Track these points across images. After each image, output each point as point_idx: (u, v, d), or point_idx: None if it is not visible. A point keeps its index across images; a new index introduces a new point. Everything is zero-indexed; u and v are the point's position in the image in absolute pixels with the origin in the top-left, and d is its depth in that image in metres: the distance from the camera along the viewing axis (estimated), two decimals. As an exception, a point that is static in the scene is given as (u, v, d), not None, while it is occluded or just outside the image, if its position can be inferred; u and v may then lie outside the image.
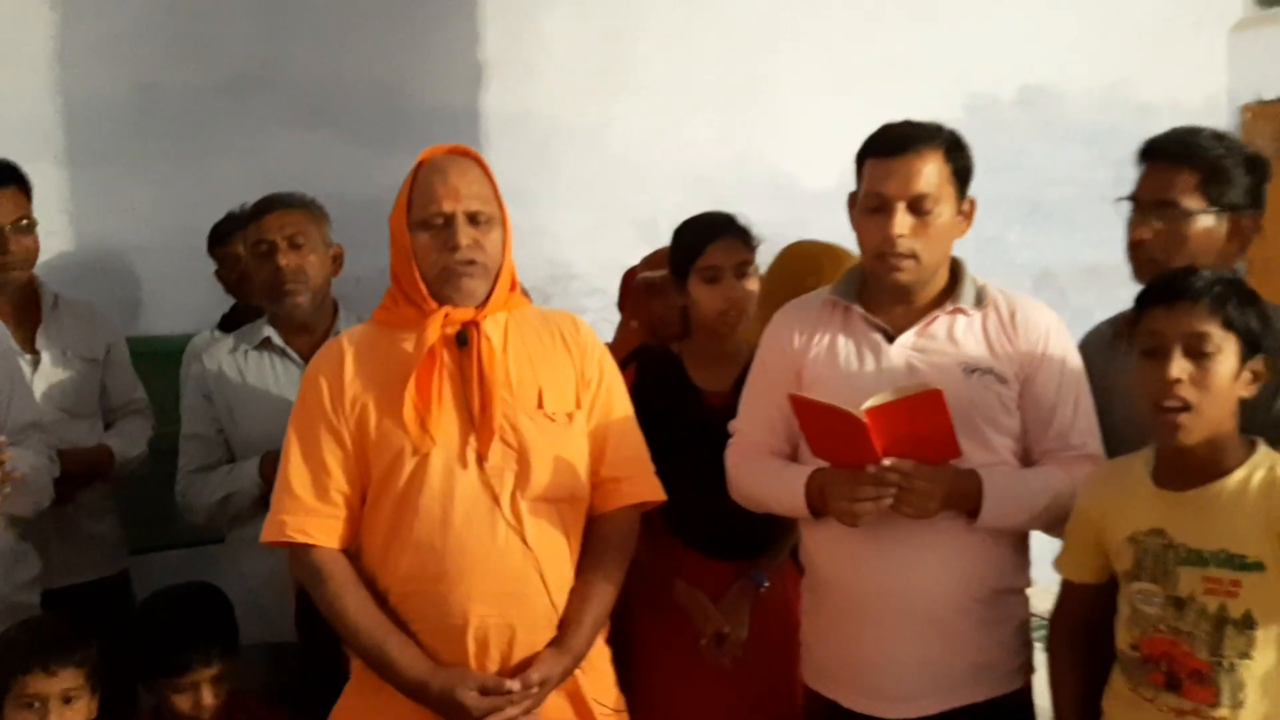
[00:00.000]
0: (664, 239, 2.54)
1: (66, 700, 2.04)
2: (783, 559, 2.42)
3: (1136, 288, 1.88)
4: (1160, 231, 2.04)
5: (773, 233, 2.54)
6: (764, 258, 2.49)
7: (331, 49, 3.45)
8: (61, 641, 2.08)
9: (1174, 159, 2.05)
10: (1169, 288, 1.77)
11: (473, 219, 1.92)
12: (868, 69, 4.13)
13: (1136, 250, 2.09)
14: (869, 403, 1.84)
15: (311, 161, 3.24)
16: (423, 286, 1.93)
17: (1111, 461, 1.98)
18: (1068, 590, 1.98)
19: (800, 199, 3.98)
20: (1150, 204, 2.06)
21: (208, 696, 2.16)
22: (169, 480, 2.57)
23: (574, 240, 3.76)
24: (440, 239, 1.92)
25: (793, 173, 4.08)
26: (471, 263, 1.92)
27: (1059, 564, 1.97)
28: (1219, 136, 2.07)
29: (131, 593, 2.82)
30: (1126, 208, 2.11)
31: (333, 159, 3.36)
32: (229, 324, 2.79)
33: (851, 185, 2.07)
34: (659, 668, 2.33)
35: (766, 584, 2.38)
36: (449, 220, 1.91)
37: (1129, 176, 2.11)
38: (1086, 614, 1.95)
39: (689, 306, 2.44)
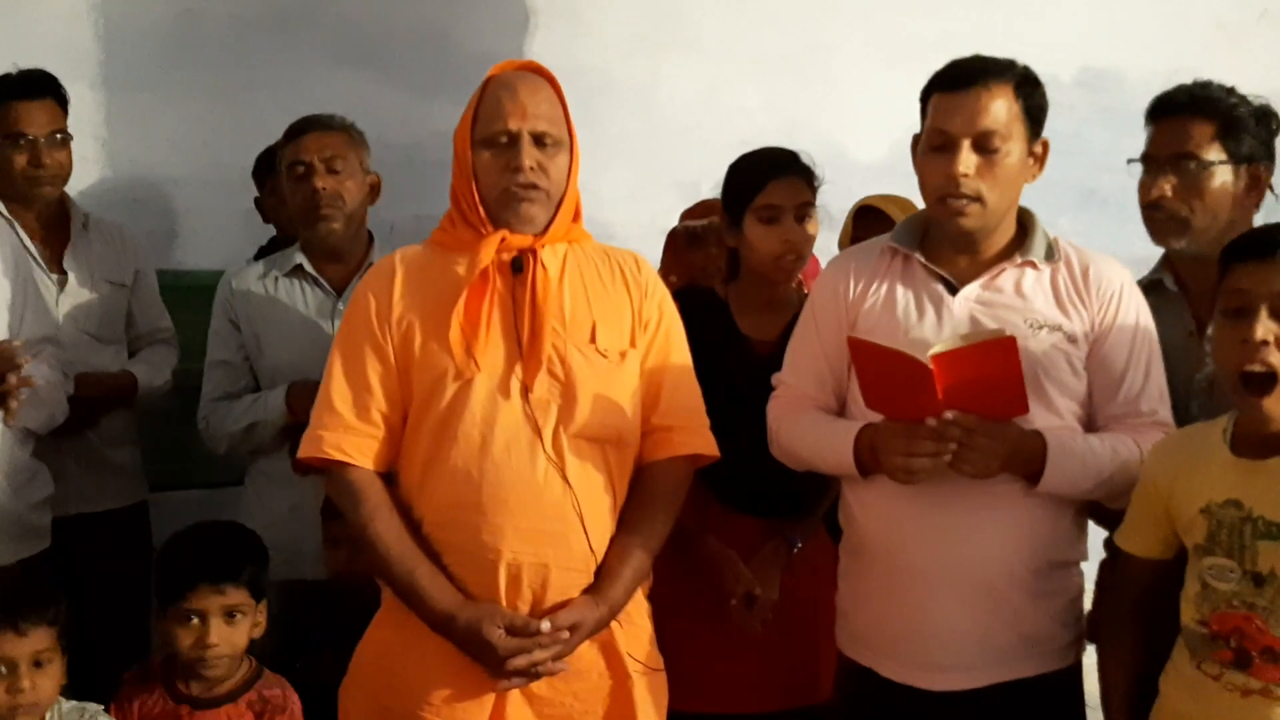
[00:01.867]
0: (706, 203, 2.46)
1: (37, 664, 1.79)
2: (817, 520, 2.34)
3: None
4: (1177, 186, 1.99)
5: (819, 203, 2.46)
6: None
7: (380, -12, 3.38)
8: (33, 598, 1.84)
9: (1188, 111, 2.00)
10: (1262, 241, 1.67)
11: (539, 140, 1.84)
12: (924, 41, 4.01)
13: (1153, 211, 2.04)
14: (935, 348, 1.75)
15: (351, 102, 3.13)
16: (481, 209, 1.86)
17: (1183, 429, 1.87)
18: (1128, 565, 1.87)
19: (849, 171, 3.84)
20: (1165, 159, 2.01)
21: (213, 632, 1.88)
22: (192, 417, 2.51)
23: (615, 199, 3.66)
24: (503, 159, 1.83)
25: (842, 143, 3.96)
26: (533, 187, 1.83)
27: (1120, 537, 1.87)
28: (1229, 90, 2.03)
29: (148, 526, 2.77)
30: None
31: (373, 101, 3.28)
32: (266, 256, 2.72)
33: (903, 159, 1.98)
34: (681, 627, 2.22)
35: (800, 545, 2.29)
36: (513, 139, 1.83)
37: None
38: (1146, 592, 1.85)
39: (741, 248, 2.33)
